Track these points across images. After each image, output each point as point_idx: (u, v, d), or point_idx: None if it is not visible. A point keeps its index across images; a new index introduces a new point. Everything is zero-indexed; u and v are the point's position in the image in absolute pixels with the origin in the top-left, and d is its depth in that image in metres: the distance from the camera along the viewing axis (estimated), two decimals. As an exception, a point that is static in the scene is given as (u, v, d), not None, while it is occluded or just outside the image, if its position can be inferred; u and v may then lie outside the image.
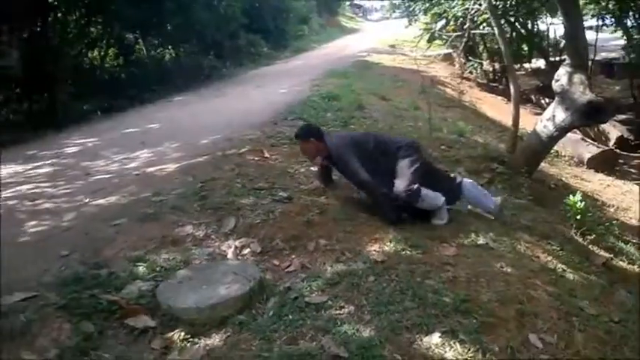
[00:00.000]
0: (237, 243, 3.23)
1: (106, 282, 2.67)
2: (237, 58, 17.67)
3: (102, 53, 13.85)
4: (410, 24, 15.59)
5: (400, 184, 3.58)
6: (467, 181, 4.07)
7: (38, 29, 11.60)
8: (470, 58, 14.15)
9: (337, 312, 2.49)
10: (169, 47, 15.36)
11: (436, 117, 7.82)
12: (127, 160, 5.40)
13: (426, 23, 12.59)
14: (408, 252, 3.14)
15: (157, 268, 2.87)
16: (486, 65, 14.07)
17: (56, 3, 11.69)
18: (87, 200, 4.04)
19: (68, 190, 4.49)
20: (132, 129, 7.40)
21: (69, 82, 11.47)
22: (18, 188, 4.79)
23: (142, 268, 2.85)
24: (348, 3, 35.13)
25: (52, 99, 10.99)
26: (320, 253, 3.13)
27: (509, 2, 7.48)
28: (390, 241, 3.26)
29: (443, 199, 3.75)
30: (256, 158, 4.69)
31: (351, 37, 26.03)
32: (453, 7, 7.97)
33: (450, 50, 16.68)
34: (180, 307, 2.48)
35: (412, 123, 6.96)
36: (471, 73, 13.72)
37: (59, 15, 12.14)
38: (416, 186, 3.57)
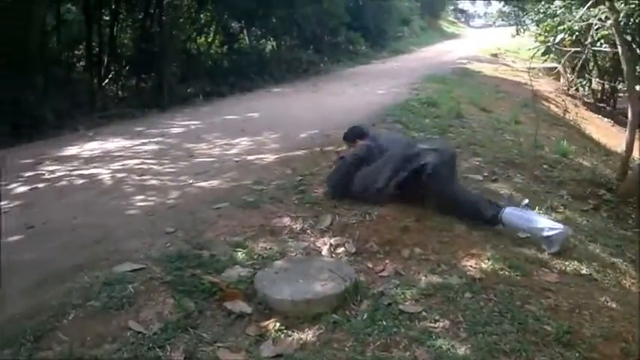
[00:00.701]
0: (332, 241, 3.24)
1: (207, 263, 2.76)
2: (335, 54, 17.82)
3: (208, 40, 14.46)
4: (517, 33, 15.00)
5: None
6: (508, 211, 3.45)
7: (152, 11, 12.28)
8: (579, 74, 13.44)
9: (431, 324, 2.44)
10: (270, 39, 15.72)
11: (539, 134, 7.49)
12: (228, 146, 5.58)
13: (538, 34, 12.02)
14: (507, 272, 3.02)
15: (255, 256, 2.94)
16: (595, 84, 13.30)
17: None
18: (191, 181, 4.22)
19: (173, 170, 4.72)
20: (232, 116, 7.64)
21: (176, 65, 12.02)
22: (126, 162, 5.10)
23: (241, 254, 2.93)
24: (452, 7, 34.40)
25: (160, 79, 11.58)
26: (414, 261, 3.08)
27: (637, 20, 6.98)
28: (488, 259, 3.15)
29: (546, 225, 3.35)
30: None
31: (452, 42, 25.55)
32: (570, 21, 7.57)
33: (556, 65, 15.96)
34: (276, 297, 2.52)
35: (513, 137, 6.71)
36: (577, 90, 13.01)
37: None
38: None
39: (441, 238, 3.36)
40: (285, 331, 2.36)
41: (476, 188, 4.41)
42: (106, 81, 11.80)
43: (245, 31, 15.01)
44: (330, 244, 3.22)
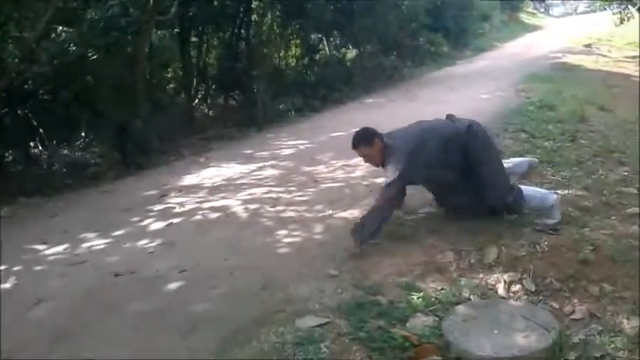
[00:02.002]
0: (505, 277, 2.98)
1: (388, 312, 2.59)
2: (418, 57, 17.41)
3: (291, 53, 14.48)
4: (622, 22, 13.97)
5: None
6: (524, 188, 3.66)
7: (238, 29, 12.42)
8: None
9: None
10: (350, 47, 15.54)
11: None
12: (349, 168, 5.41)
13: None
14: None
15: (432, 300, 2.73)
16: None
17: (255, 5, 12.33)
18: (329, 212, 4.07)
19: (304, 198, 4.59)
20: (338, 132, 7.47)
21: (266, 82, 12.07)
22: (252, 191, 5.03)
23: (417, 298, 2.73)
24: (529, -2, 33.02)
25: (252, 97, 11.67)
26: (608, 300, 2.76)
27: None
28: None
29: (554, 196, 3.56)
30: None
31: (535, 34, 24.42)
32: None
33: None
34: (477, 353, 2.29)
35: (648, 139, 6.15)
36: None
37: (256, 17, 12.82)
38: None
39: (628, 270, 3.01)
40: (497, 392, 2.13)
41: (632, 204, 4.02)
42: (196, 101, 12.08)
43: (325, 41, 14.90)
44: (505, 281, 2.96)
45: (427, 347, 2.34)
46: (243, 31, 12.37)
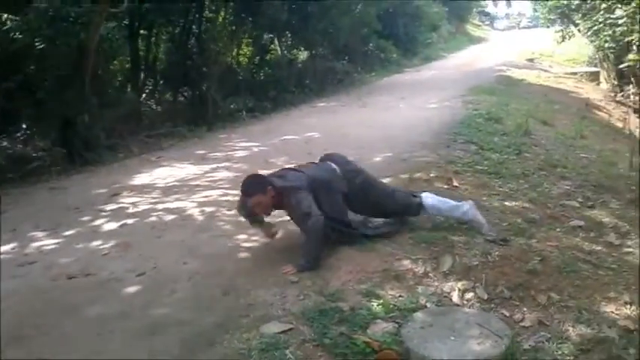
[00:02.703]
0: (459, 285, 3.11)
1: (349, 318, 2.65)
2: (368, 63, 17.70)
3: (242, 52, 14.34)
4: (563, 40, 14.67)
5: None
6: (427, 196, 3.78)
7: (188, 25, 12.19)
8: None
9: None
10: (302, 49, 15.57)
11: (605, 149, 7.31)
12: (304, 173, 5.45)
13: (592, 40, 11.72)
14: (655, 320, 2.87)
15: (391, 306, 2.82)
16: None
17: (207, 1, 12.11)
18: (287, 217, 4.08)
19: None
20: (291, 136, 7.54)
21: (218, 81, 11.93)
22: (208, 193, 5.02)
23: (376, 305, 2.81)
24: (475, 10, 34.08)
25: (202, 95, 11.52)
26: (554, 308, 2.93)
27: None
28: (627, 303, 3.00)
29: (467, 205, 3.73)
30: (445, 186, 4.56)
31: (480, 46, 25.31)
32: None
33: (596, 69, 15.70)
34: (434, 359, 2.39)
35: (586, 154, 6.52)
36: (624, 97, 12.75)
37: (208, 13, 12.57)
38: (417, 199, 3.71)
39: (572, 280, 3.21)
40: (454, 398, 2.23)
41: (575, 217, 4.27)
42: (143, 96, 11.78)
43: (276, 42, 14.86)
44: (459, 289, 3.09)
45: (388, 353, 2.42)
46: (194, 26, 12.16)
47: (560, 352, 2.54)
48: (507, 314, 2.91)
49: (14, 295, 3.20)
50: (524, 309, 2.94)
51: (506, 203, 4.31)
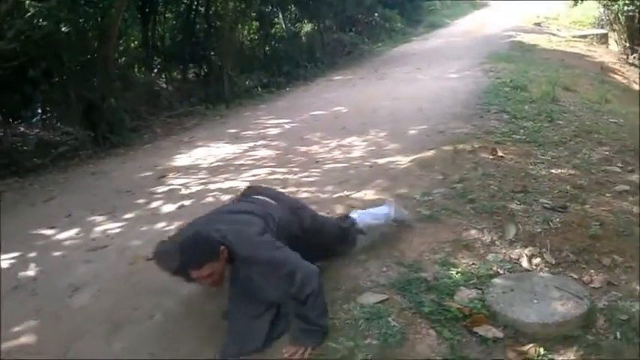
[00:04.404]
0: (526, 252, 3.25)
1: (435, 287, 2.80)
2: (374, 34, 17.62)
3: (247, 27, 14.21)
4: (576, 3, 14.58)
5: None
6: (355, 217, 3.25)
7: (194, 2, 12.11)
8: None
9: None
10: (305, 22, 15.46)
11: (629, 112, 7.40)
12: (345, 148, 5.59)
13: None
14: None
15: (469, 274, 2.96)
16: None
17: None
18: (345, 193, 4.23)
19: (310, 179, 4.74)
20: (318, 111, 7.63)
21: (232, 57, 11.91)
22: (255, 172, 5.12)
23: (455, 273, 2.95)
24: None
25: (216, 73, 11.53)
26: (620, 270, 3.08)
27: None
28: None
29: (389, 207, 3.36)
30: (490, 157, 4.68)
31: (483, 12, 25.09)
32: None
33: (604, 30, 15.66)
34: (525, 321, 2.55)
35: (614, 119, 6.61)
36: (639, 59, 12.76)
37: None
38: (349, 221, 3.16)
39: (631, 243, 3.35)
40: (547, 354, 2.39)
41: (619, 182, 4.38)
42: (152, 75, 11.78)
43: (280, 15, 14.74)
44: (526, 256, 3.23)
45: (479, 317, 2.58)
46: (200, 2, 12.09)
47: (634, 310, 2.69)
48: (576, 277, 3.06)
49: (97, 280, 3.34)
50: (591, 271, 3.08)
51: (553, 171, 4.43)
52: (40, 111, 9.31)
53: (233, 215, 2.66)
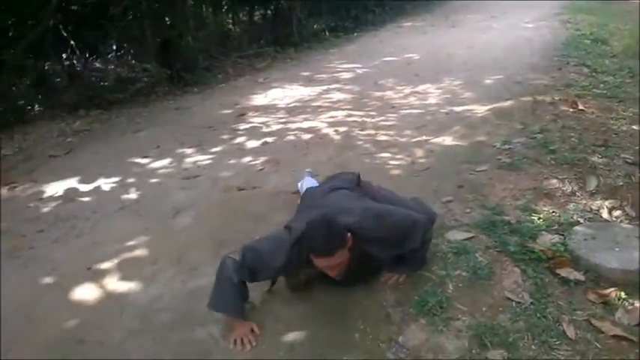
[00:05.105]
0: (606, 204, 3.32)
1: (518, 229, 2.93)
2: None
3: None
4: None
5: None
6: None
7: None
8: None
9: None
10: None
11: None
12: (420, 95, 5.66)
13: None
14: None
15: (551, 221, 3.08)
16: None
17: None
18: (424, 138, 4.35)
19: (388, 123, 4.87)
20: (390, 57, 7.65)
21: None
22: (333, 114, 5.28)
23: (537, 219, 3.08)
24: None
25: (284, 15, 11.55)
26: (701, 225, 3.13)
27: None
28: None
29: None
30: (571, 110, 4.67)
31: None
32: None
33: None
34: (607, 266, 2.66)
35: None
36: None
37: None
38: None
39: None
40: (628, 299, 2.51)
41: None
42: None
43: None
44: (607, 207, 3.31)
45: (562, 260, 2.71)
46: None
47: None
48: (656, 231, 3.13)
49: (196, 205, 3.63)
50: (672, 227, 3.15)
51: (634, 127, 4.40)
52: (115, 47, 9.63)
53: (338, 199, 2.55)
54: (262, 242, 2.40)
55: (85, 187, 4.15)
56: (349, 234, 2.18)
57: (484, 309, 2.32)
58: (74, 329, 2.41)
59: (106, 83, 8.60)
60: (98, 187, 4.13)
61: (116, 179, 4.26)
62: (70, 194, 4.03)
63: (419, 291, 2.40)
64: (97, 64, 9.49)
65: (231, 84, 7.42)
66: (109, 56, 9.54)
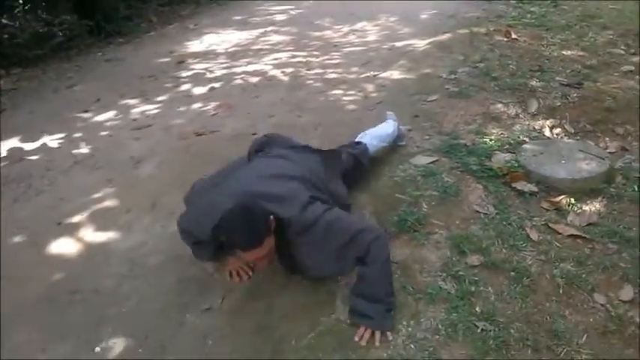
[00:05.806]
0: (547, 123, 3.60)
1: (474, 151, 3.14)
2: None
3: None
4: None
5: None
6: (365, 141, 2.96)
7: None
8: None
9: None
10: None
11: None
12: (358, 33, 5.73)
13: None
14: None
15: (501, 142, 3.31)
16: None
17: None
18: (373, 74, 4.46)
19: (333, 61, 4.93)
20: (321, -1, 7.60)
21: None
22: (276, 55, 5.27)
23: (489, 140, 3.30)
24: None
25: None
26: (632, 138, 3.46)
27: None
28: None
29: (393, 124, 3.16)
30: (505, 39, 4.91)
31: None
32: None
33: None
34: (555, 177, 2.93)
35: (613, 5, 6.79)
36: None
37: None
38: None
39: (641, 114, 3.72)
40: (576, 204, 2.79)
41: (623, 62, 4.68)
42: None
43: None
44: (548, 126, 3.59)
45: (517, 174, 2.95)
46: None
47: (650, 171, 3.10)
48: (593, 144, 3.44)
49: (155, 154, 3.59)
50: (607, 139, 3.47)
51: (563, 52, 4.71)
52: (21, 1, 8.95)
53: (263, 177, 2.15)
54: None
55: (29, 146, 3.98)
56: (272, 219, 1.86)
57: (457, 222, 2.51)
58: (63, 282, 2.40)
59: (20, 40, 8.02)
60: (44, 145, 3.97)
61: (62, 135, 4.11)
62: (16, 154, 3.86)
63: (397, 211, 2.55)
64: (5, 21, 8.81)
65: (160, 32, 7.16)
66: (16, 11, 8.88)
